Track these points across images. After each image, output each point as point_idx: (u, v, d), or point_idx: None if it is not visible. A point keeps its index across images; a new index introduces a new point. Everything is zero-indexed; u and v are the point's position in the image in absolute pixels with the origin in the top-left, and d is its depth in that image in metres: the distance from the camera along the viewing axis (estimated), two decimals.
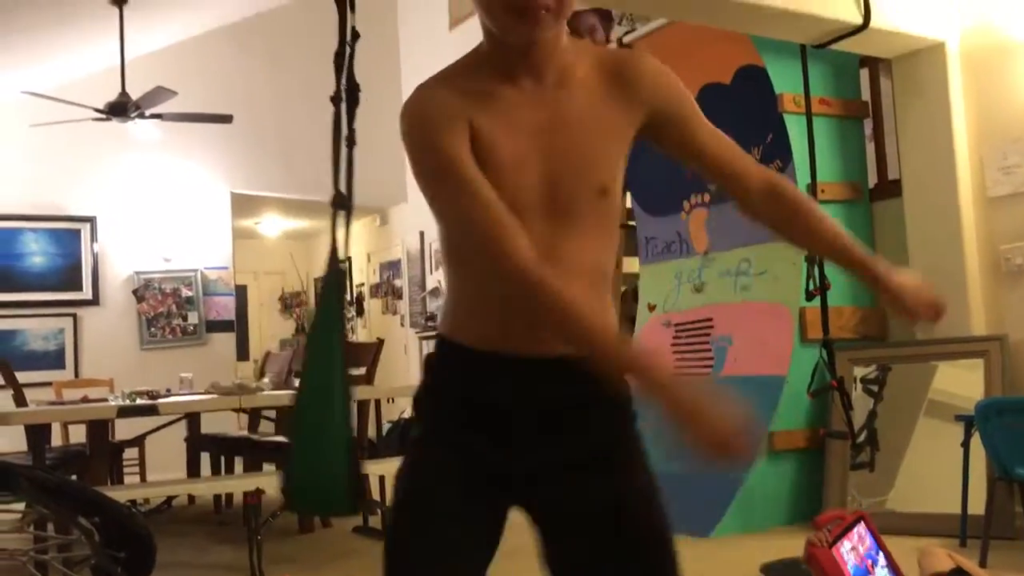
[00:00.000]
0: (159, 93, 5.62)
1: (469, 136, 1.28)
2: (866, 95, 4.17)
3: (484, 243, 1.26)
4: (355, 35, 2.54)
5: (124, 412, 3.81)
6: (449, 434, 1.35)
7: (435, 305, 7.78)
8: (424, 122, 1.31)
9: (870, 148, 4.15)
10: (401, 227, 8.58)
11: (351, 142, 2.43)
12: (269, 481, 3.78)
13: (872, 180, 4.10)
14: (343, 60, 2.49)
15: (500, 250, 1.24)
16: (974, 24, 3.71)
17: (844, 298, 3.85)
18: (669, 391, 1.16)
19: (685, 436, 1.14)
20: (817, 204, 1.48)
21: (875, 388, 3.76)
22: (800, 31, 3.57)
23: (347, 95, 2.43)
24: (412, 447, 1.39)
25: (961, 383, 3.55)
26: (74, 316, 6.93)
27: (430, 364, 1.43)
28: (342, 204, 2.41)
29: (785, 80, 3.87)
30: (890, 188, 4.01)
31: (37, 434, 3.91)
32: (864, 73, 4.15)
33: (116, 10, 5.76)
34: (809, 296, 3.63)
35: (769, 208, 1.44)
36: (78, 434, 5.22)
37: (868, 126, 4.17)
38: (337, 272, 2.33)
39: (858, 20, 3.46)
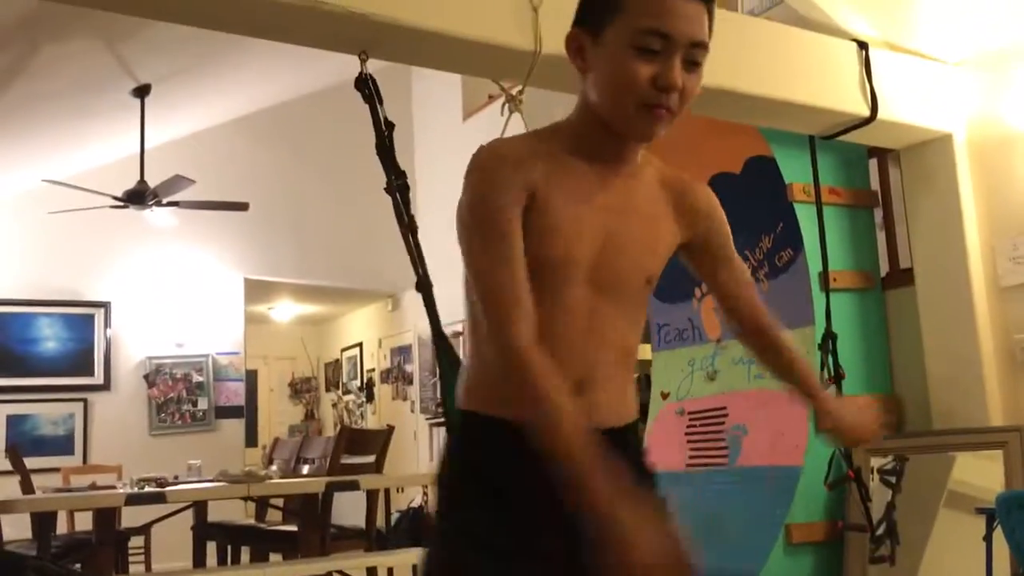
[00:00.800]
0: (177, 181, 5.72)
1: (528, 196, 1.34)
2: (875, 185, 4.20)
3: (493, 307, 1.31)
4: (390, 125, 2.61)
5: (132, 500, 3.78)
6: (494, 514, 1.34)
7: None
8: (489, 169, 1.35)
9: (881, 237, 4.17)
10: (413, 312, 8.61)
11: (413, 228, 2.54)
12: (275, 572, 3.72)
13: (884, 269, 4.11)
14: (386, 151, 2.56)
15: (504, 318, 1.29)
16: (980, 116, 3.76)
17: (858, 387, 3.82)
18: (604, 515, 1.17)
19: (611, 560, 1.15)
20: (788, 340, 1.64)
21: (893, 479, 3.70)
22: (808, 123, 3.63)
23: (397, 184, 2.52)
24: (452, 535, 1.38)
25: (981, 474, 3.49)
26: (85, 401, 6.93)
27: (460, 444, 1.44)
28: (424, 287, 2.56)
29: (794, 170, 3.91)
30: (902, 277, 4.01)
31: (43, 522, 3.87)
32: (873, 163, 4.19)
33: (138, 101, 5.91)
34: (824, 385, 3.60)
35: (753, 341, 1.62)
36: (84, 521, 5.16)
37: (878, 215, 4.19)
38: (443, 342, 2.51)
39: (865, 112, 3.51)
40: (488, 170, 1.35)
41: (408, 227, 2.55)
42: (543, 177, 1.35)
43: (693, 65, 1.34)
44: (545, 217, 1.34)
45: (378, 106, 2.63)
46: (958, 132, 3.78)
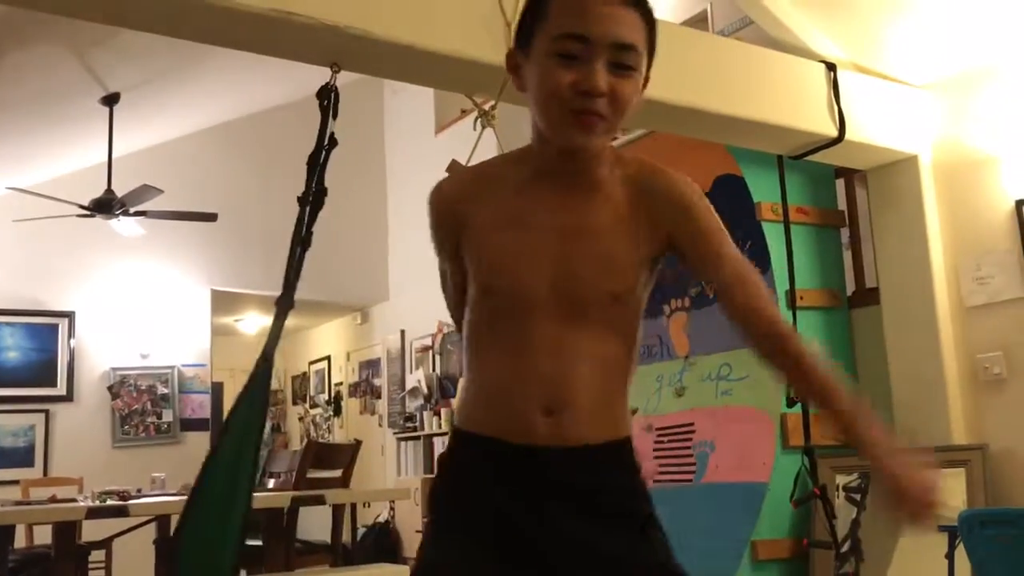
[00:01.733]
0: (145, 191, 5.67)
1: (460, 233, 1.39)
2: (842, 204, 4.26)
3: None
4: (332, 142, 2.60)
5: (93, 513, 3.71)
6: (471, 527, 1.34)
7: (414, 405, 7.70)
8: (430, 209, 1.44)
9: (847, 256, 4.22)
10: (382, 326, 8.57)
11: (305, 244, 2.51)
12: None
13: (850, 288, 4.15)
14: (317, 163, 2.54)
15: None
16: (945, 138, 3.82)
17: None
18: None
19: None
20: (810, 355, 1.40)
21: (858, 496, 3.73)
22: (777, 143, 3.67)
23: (313, 198, 2.49)
24: (429, 547, 1.38)
25: (944, 492, 3.52)
26: (46, 412, 6.82)
27: (446, 459, 1.45)
28: (286, 306, 2.49)
29: (763, 189, 3.95)
30: (868, 296, 4.06)
31: (0, 536, 3.79)
32: (840, 183, 4.24)
33: (107, 109, 5.85)
34: (790, 402, 3.63)
35: (765, 350, 1.44)
36: (43, 535, 5.06)
37: (845, 234, 4.24)
38: (266, 363, 2.39)
39: (833, 133, 3.56)
40: (430, 210, 1.44)
41: (303, 243, 2.55)
42: (484, 209, 1.37)
43: (622, 68, 1.28)
44: (483, 250, 1.37)
45: (330, 119, 2.61)
46: (924, 154, 3.84)
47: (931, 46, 3.70)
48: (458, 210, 1.40)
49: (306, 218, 2.53)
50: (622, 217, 1.37)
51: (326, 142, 2.59)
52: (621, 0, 1.28)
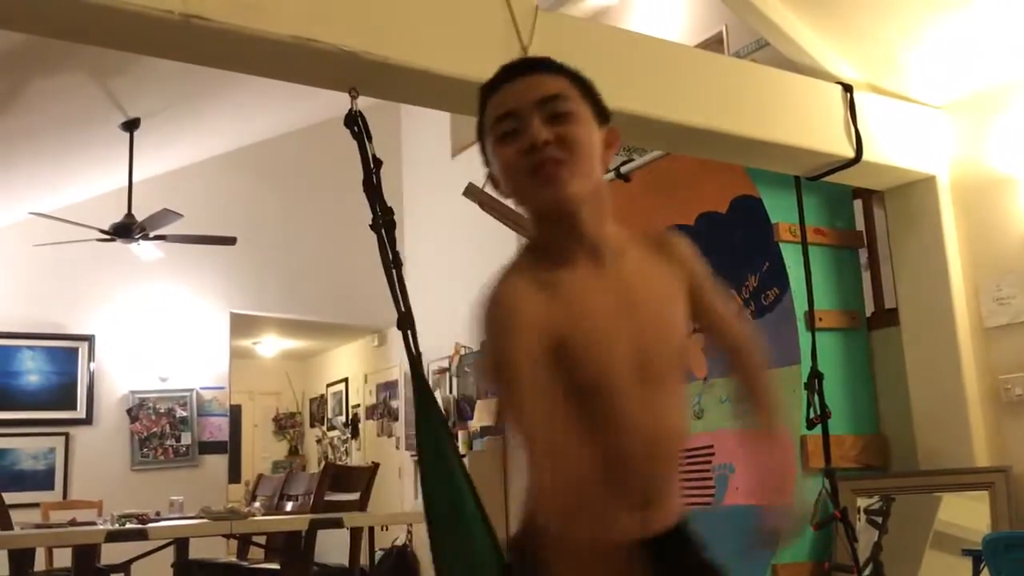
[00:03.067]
0: (165, 215, 5.72)
1: (550, 331, 1.30)
2: (860, 225, 4.24)
3: (531, 453, 1.29)
4: (377, 162, 2.63)
5: (113, 537, 3.73)
6: None
7: None
8: (504, 316, 1.31)
9: (866, 277, 4.20)
10: (399, 348, 8.53)
11: (398, 264, 2.52)
12: None
13: (869, 309, 4.13)
14: (373, 187, 2.56)
15: (540, 467, 1.30)
16: (963, 158, 3.81)
17: (845, 427, 3.82)
18: None
19: None
20: (759, 381, 1.57)
21: (879, 519, 3.69)
22: (794, 164, 3.66)
23: (384, 220, 2.52)
24: None
25: (968, 515, 3.49)
26: (66, 435, 6.85)
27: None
28: (406, 323, 2.51)
29: (780, 210, 3.94)
30: (887, 317, 4.03)
31: (21, 559, 3.82)
32: (858, 203, 4.23)
33: (127, 135, 5.92)
34: (810, 424, 3.60)
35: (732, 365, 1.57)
36: (63, 558, 5.08)
37: (863, 255, 4.22)
38: (423, 390, 2.43)
39: (850, 154, 3.55)
40: (504, 309, 1.32)
41: (392, 263, 2.55)
42: (554, 309, 1.33)
43: (558, 117, 1.35)
44: (565, 347, 1.32)
45: (367, 143, 2.65)
46: (942, 174, 3.83)
47: (948, 67, 3.70)
48: (539, 309, 1.32)
49: (386, 241, 2.55)
50: (657, 274, 1.43)
51: (372, 165, 2.62)
52: (530, 70, 1.40)
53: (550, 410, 1.30)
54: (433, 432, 2.46)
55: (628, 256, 1.41)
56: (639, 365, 1.34)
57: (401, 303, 2.55)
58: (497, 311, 1.32)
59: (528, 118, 1.34)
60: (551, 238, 1.39)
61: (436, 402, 2.60)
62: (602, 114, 1.42)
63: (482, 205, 4.00)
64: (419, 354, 2.55)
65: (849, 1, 3.56)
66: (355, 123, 2.63)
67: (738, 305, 1.74)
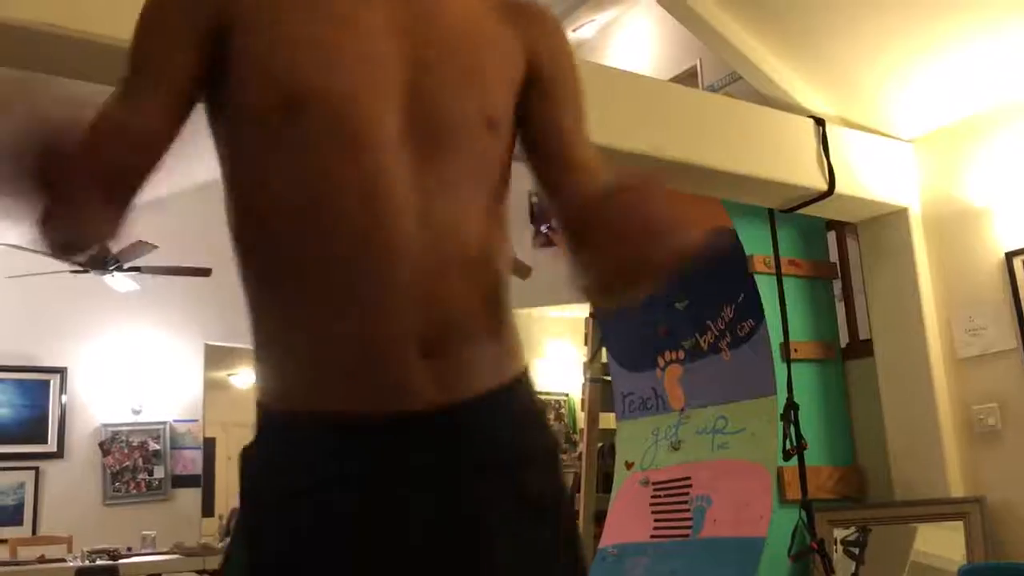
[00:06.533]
0: (139, 247, 5.69)
1: (215, 24, 0.92)
2: (834, 256, 4.28)
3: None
4: None
5: (83, 574, 3.66)
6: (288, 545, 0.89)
7: None
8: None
9: (840, 308, 4.23)
10: None
11: None
12: None
13: (844, 340, 4.16)
14: None
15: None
16: (935, 191, 3.86)
17: (821, 458, 3.83)
18: None
19: None
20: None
21: (856, 550, 3.70)
22: (767, 196, 3.70)
23: None
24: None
25: (943, 545, 3.50)
26: (36, 469, 6.74)
27: (249, 455, 1.02)
28: None
29: (755, 242, 3.97)
30: (862, 348, 4.06)
31: None
32: (832, 235, 4.27)
33: None
34: (787, 455, 3.61)
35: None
36: None
37: (837, 286, 4.26)
38: None
39: (823, 187, 3.59)
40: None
41: None
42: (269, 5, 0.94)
43: None
44: (283, 43, 0.91)
45: None
46: (914, 206, 3.88)
47: (919, 100, 3.76)
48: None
49: None
50: (483, 15, 1.01)
51: None
52: None
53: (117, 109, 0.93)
54: None
55: None
56: (412, 121, 0.90)
57: None
58: None
59: None
60: None
61: None
62: None
63: None
64: None
65: (821, 37, 3.61)
66: None
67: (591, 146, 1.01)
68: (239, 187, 0.98)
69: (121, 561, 4.00)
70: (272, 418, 0.95)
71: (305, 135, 0.87)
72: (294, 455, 0.90)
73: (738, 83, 4.27)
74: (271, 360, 0.97)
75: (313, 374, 0.89)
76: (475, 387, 0.89)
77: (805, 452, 3.64)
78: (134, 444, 7.10)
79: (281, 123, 0.88)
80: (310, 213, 0.86)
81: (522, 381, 0.97)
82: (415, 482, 0.85)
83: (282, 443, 0.93)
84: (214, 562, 4.14)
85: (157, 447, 7.19)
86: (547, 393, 6.62)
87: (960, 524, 3.47)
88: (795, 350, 3.88)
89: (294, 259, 0.87)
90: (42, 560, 4.39)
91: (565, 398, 6.72)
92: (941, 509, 3.55)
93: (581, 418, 5.73)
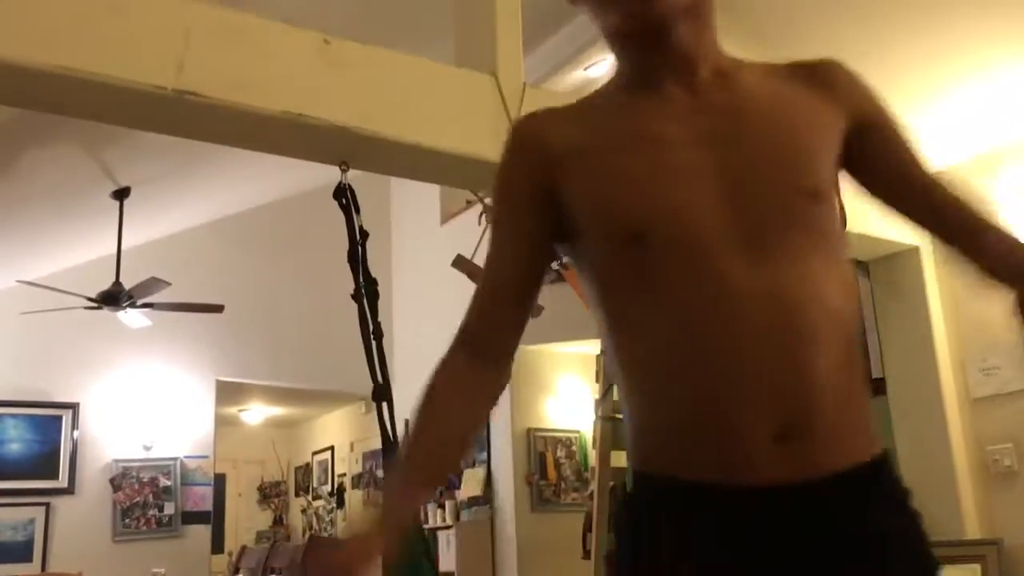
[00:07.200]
0: (153, 283, 5.72)
1: (559, 157, 1.02)
2: None
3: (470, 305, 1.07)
4: (364, 234, 2.65)
5: None
6: None
7: None
8: (513, 134, 1.08)
9: None
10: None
11: (378, 335, 2.50)
12: None
13: None
14: (357, 259, 2.58)
15: (463, 323, 1.10)
16: None
17: None
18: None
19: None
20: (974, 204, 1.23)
21: None
22: None
23: (366, 291, 2.52)
24: None
25: None
26: (47, 505, 6.73)
27: (623, 516, 1.09)
28: (382, 395, 2.48)
29: None
30: (875, 387, 4.03)
31: None
32: None
33: (117, 203, 5.94)
34: None
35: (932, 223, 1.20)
36: None
37: None
38: (393, 456, 2.38)
39: None
40: (510, 139, 1.08)
41: (372, 334, 2.55)
42: (591, 134, 1.03)
43: None
44: (608, 179, 0.99)
45: (354, 215, 2.67)
46: (925, 244, 3.87)
47: (928, 137, 3.76)
48: (551, 137, 1.03)
49: (367, 312, 2.55)
50: (788, 94, 1.05)
51: (358, 238, 2.65)
52: None
53: (510, 259, 1.05)
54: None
55: (741, 80, 1.05)
56: (735, 217, 0.95)
57: (378, 374, 2.54)
58: (507, 139, 1.09)
59: None
60: (631, 61, 1.06)
61: None
62: None
63: (471, 276, 4.02)
64: (394, 429, 2.53)
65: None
66: (344, 196, 2.66)
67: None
68: (604, 308, 1.03)
69: None
70: (639, 479, 1.03)
71: (648, 255, 0.96)
72: (660, 519, 0.98)
73: None
74: (639, 433, 1.02)
75: (674, 450, 0.97)
76: (837, 464, 0.94)
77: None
78: (144, 480, 7.09)
79: (628, 251, 0.97)
80: (666, 326, 0.95)
81: (885, 461, 1.03)
82: (786, 555, 0.91)
83: (648, 507, 1.00)
84: None
85: (168, 483, 7.17)
86: (558, 430, 6.59)
87: (977, 567, 3.43)
88: None
89: (659, 362, 0.96)
90: None
91: (576, 435, 6.69)
92: (957, 551, 3.50)
93: (592, 456, 5.69)
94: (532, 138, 1.07)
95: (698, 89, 1.03)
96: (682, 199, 0.96)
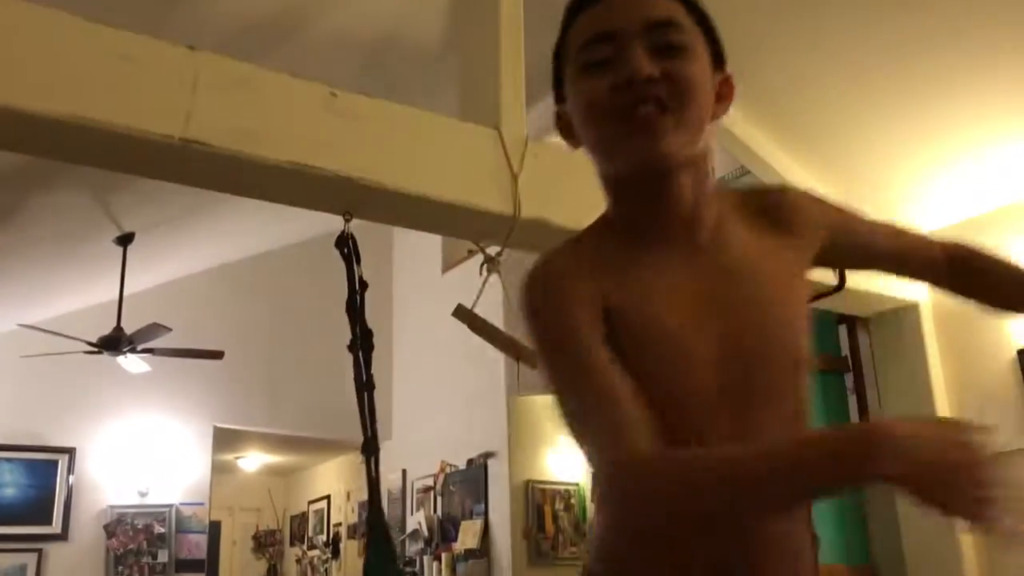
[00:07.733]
0: (154, 329, 5.72)
1: (605, 320, 1.01)
2: (845, 350, 4.28)
3: (597, 435, 0.96)
4: (363, 285, 2.66)
5: None
6: None
7: (414, 549, 7.52)
8: (556, 299, 1.02)
9: (852, 400, 4.21)
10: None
11: (370, 387, 2.49)
12: None
13: None
14: (355, 309, 2.59)
15: (612, 439, 0.94)
16: None
17: (835, 556, 3.77)
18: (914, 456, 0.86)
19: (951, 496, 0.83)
20: (1001, 258, 1.28)
21: None
22: None
23: (362, 343, 2.52)
24: None
25: None
26: (39, 551, 6.66)
27: None
28: (371, 449, 2.48)
29: None
30: None
31: None
32: (843, 329, 4.28)
33: (120, 249, 5.97)
34: None
35: (959, 283, 1.27)
36: None
37: (849, 380, 4.25)
38: (378, 518, 2.38)
39: (834, 281, 3.61)
40: (554, 293, 1.02)
41: (365, 386, 2.55)
42: (613, 295, 1.02)
43: (668, 50, 1.00)
44: (637, 346, 1.00)
45: (355, 265, 2.69)
46: (924, 301, 3.89)
47: (929, 198, 3.80)
48: (591, 281, 1.03)
49: (362, 363, 2.56)
50: (766, 254, 1.07)
51: (357, 287, 2.66)
52: None
53: (624, 387, 0.96)
54: (383, 567, 2.42)
55: (729, 233, 1.07)
56: (733, 385, 1.00)
57: (368, 427, 2.53)
58: (540, 288, 1.03)
59: (630, 45, 0.99)
60: (630, 209, 1.07)
61: (390, 536, 2.57)
62: (718, 56, 1.07)
63: (471, 327, 4.02)
64: (378, 481, 2.52)
65: (828, 131, 3.68)
66: (345, 245, 2.67)
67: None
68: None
69: None
70: None
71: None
72: None
73: (746, 177, 4.34)
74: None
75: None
76: None
77: (819, 549, 3.58)
78: (139, 527, 7.03)
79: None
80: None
81: None
82: None
83: None
84: None
85: (162, 530, 7.10)
86: (557, 483, 6.55)
87: None
88: None
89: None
90: None
91: (575, 487, 6.64)
92: None
93: (591, 509, 5.65)
94: (574, 268, 1.05)
95: (696, 245, 1.06)
96: (680, 365, 1.01)
